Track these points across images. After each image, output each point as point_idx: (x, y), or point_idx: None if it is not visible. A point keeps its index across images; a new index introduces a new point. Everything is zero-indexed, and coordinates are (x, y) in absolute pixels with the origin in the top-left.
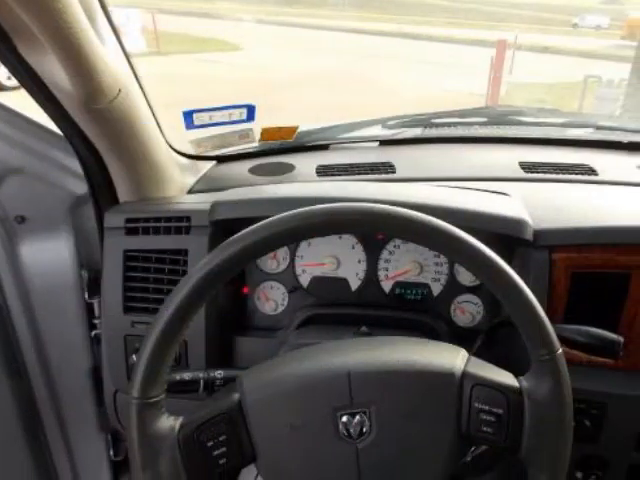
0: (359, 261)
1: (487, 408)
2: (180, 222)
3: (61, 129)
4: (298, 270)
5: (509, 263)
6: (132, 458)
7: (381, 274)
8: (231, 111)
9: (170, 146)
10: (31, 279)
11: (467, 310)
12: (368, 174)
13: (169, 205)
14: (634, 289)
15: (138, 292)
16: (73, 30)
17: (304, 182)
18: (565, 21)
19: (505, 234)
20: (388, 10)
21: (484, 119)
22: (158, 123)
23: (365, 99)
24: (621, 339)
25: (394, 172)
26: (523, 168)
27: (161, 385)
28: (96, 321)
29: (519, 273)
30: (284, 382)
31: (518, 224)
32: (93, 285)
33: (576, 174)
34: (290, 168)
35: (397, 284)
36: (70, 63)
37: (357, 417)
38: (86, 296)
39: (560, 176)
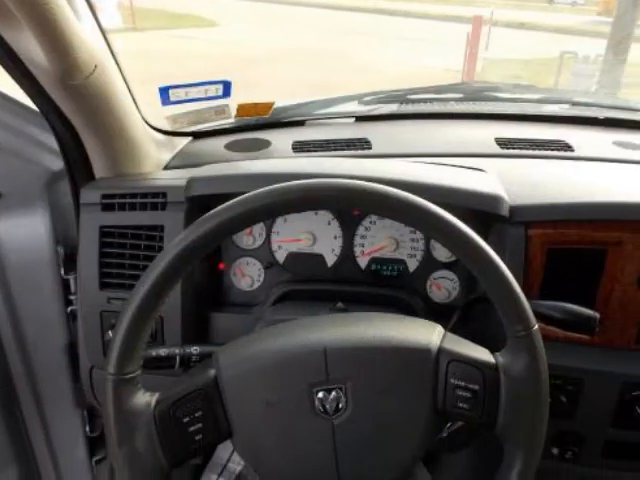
0: (335, 237)
1: (463, 384)
2: (156, 198)
3: (37, 105)
4: (274, 246)
5: (485, 239)
6: (108, 434)
7: (357, 250)
8: (207, 87)
9: (146, 122)
10: (7, 255)
11: (443, 286)
12: (344, 150)
13: (145, 181)
14: (610, 265)
15: (114, 268)
16: (49, 6)
17: (280, 158)
18: None
19: (481, 210)
20: None
21: (460, 95)
22: (134, 99)
23: (342, 75)
24: (597, 315)
25: (370, 148)
26: (499, 144)
27: (137, 361)
28: (72, 297)
29: (495, 249)
30: (260, 358)
31: (494, 200)
32: (69, 261)
33: (552, 150)
34: (266, 144)
35: (373, 260)
36: (46, 39)
37: (333, 393)
38: (62, 272)
39: (536, 152)
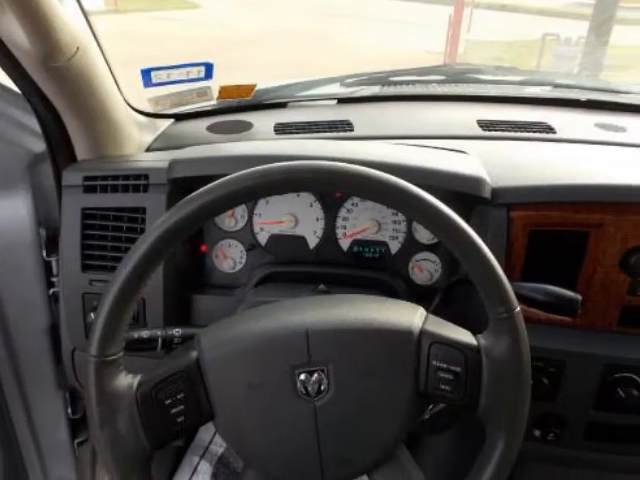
0: (317, 219)
1: (445, 366)
2: (138, 180)
3: (19, 87)
4: (256, 228)
5: (467, 221)
6: (90, 416)
7: (339, 232)
8: (189, 69)
9: (128, 104)
10: None
11: (425, 268)
12: (326, 132)
13: (127, 163)
14: (592, 247)
15: (96, 250)
16: None
17: (262, 140)
18: None
19: (463, 192)
20: None
21: (442, 77)
22: (116, 81)
23: (324, 57)
24: (579, 297)
25: (352, 130)
26: (481, 126)
27: (119, 343)
28: (54, 279)
29: (477, 231)
30: (242, 340)
31: (476, 182)
32: (51, 243)
33: (534, 132)
34: (248, 126)
35: (355, 242)
36: (28, 21)
37: (315, 375)
38: (44, 254)
39: (518, 134)
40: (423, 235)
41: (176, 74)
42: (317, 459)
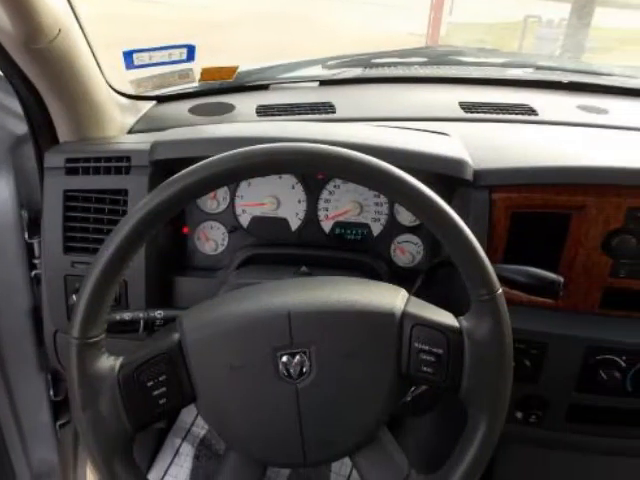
0: (299, 201)
1: (427, 348)
2: (120, 162)
3: (0, 69)
4: (238, 210)
5: (449, 203)
6: (72, 398)
7: (321, 214)
8: (171, 51)
9: (110, 86)
10: None
11: (407, 250)
12: (308, 114)
13: (109, 145)
14: (574, 229)
15: (78, 232)
16: None
17: (244, 122)
18: None
19: (445, 174)
20: None
21: (424, 59)
22: (98, 63)
23: (305, 40)
24: (561, 279)
25: (334, 112)
26: (463, 108)
27: (101, 325)
28: (36, 261)
29: (459, 213)
30: (224, 322)
31: (458, 164)
32: (33, 225)
33: (516, 114)
34: (230, 108)
35: (337, 224)
36: (9, 3)
37: (297, 357)
38: (26, 236)
39: (500, 116)
40: (405, 217)
41: (158, 56)
42: (299, 441)
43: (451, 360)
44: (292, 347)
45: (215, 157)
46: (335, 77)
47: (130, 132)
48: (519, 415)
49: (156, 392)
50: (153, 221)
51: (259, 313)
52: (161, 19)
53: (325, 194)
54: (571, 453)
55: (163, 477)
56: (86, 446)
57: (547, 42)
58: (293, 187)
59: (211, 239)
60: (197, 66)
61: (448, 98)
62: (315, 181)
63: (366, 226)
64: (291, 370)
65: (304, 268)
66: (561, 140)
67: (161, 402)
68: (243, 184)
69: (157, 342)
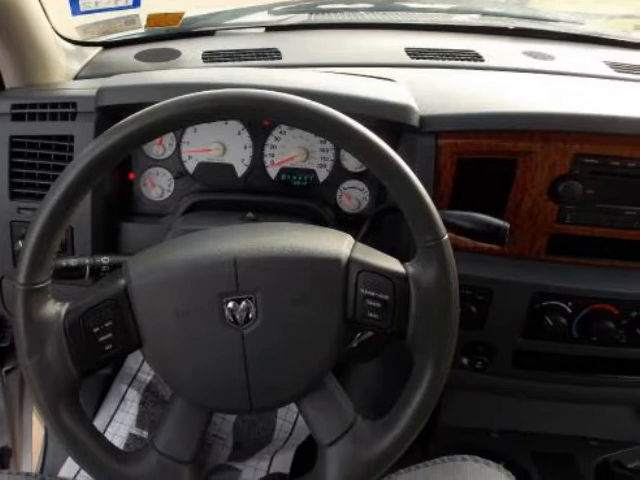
0: (245, 147)
1: (373, 294)
2: (66, 108)
3: None
4: (184, 156)
5: (395, 149)
6: (18, 344)
7: (267, 160)
8: None
9: (56, 32)
10: None
11: (353, 196)
12: (254, 60)
13: (55, 91)
14: (520, 175)
15: (24, 178)
16: None
17: (190, 68)
18: None
19: (391, 120)
20: None
21: (370, 5)
22: (44, 9)
23: None
24: (507, 225)
25: (280, 58)
26: (409, 54)
27: (47, 271)
28: None
29: (405, 159)
30: (170, 268)
31: (404, 110)
32: None
33: (462, 60)
34: (176, 54)
35: (283, 170)
36: None
37: (243, 303)
38: None
39: (446, 62)
40: (351, 163)
41: (104, 2)
42: (245, 387)
43: (397, 306)
44: (238, 293)
45: (160, 103)
46: (281, 23)
47: (76, 78)
48: (465, 361)
49: (102, 338)
50: (98, 167)
51: (205, 259)
52: None
53: (271, 140)
54: (517, 399)
55: (109, 423)
56: (32, 392)
57: None
58: (239, 133)
59: (157, 185)
60: (143, 12)
61: (394, 44)
62: (261, 127)
63: (312, 172)
64: (237, 316)
65: (250, 214)
66: (507, 86)
67: (107, 348)
68: (189, 130)
69: (103, 288)
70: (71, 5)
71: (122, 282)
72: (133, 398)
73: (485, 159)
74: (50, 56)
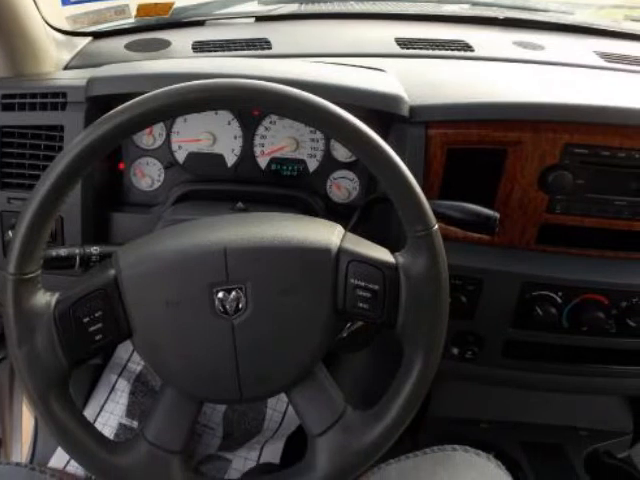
0: (235, 137)
1: (363, 284)
2: (56, 98)
3: None
4: (174, 146)
5: (385, 139)
6: (8, 334)
7: (257, 150)
8: None
9: (46, 22)
10: None
11: (343, 186)
12: (244, 50)
13: (45, 81)
14: (510, 165)
15: (14, 168)
16: None
17: (180, 58)
18: None
19: (381, 110)
20: None
21: None
22: None
23: None
24: (497, 215)
25: (270, 48)
26: (399, 44)
27: (37, 261)
28: None
29: (395, 149)
30: (160, 258)
31: (394, 100)
32: None
33: (452, 50)
34: (166, 44)
35: (273, 160)
36: None
37: (233, 293)
38: None
39: (436, 52)
40: (341, 153)
41: None
42: (235, 377)
43: (387, 296)
44: (228, 283)
45: (150, 93)
46: (271, 13)
47: (66, 68)
48: (455, 351)
49: (92, 328)
50: (88, 157)
51: (195, 249)
52: None
53: (261, 130)
54: (508, 389)
55: (99, 413)
56: (22, 382)
57: None
58: (229, 123)
59: (147, 175)
60: (133, 2)
61: (384, 34)
62: (251, 117)
63: (302, 162)
64: (227, 306)
65: (240, 204)
66: (497, 76)
67: (97, 338)
68: (179, 120)
69: (93, 278)
70: None
71: (112, 272)
72: (123, 388)
73: (475, 149)
74: (40, 46)
